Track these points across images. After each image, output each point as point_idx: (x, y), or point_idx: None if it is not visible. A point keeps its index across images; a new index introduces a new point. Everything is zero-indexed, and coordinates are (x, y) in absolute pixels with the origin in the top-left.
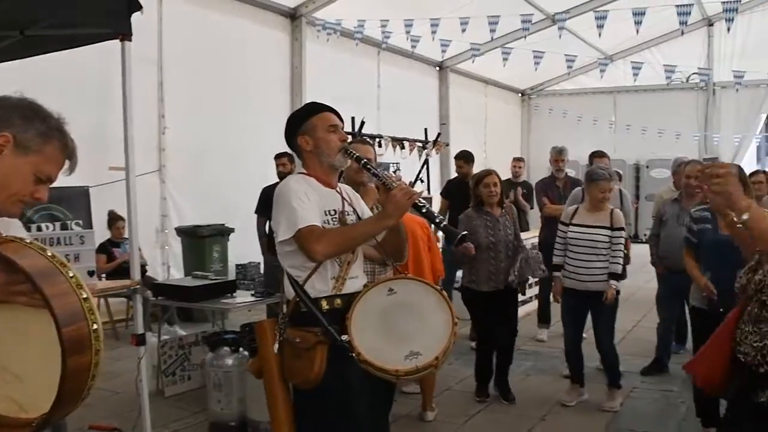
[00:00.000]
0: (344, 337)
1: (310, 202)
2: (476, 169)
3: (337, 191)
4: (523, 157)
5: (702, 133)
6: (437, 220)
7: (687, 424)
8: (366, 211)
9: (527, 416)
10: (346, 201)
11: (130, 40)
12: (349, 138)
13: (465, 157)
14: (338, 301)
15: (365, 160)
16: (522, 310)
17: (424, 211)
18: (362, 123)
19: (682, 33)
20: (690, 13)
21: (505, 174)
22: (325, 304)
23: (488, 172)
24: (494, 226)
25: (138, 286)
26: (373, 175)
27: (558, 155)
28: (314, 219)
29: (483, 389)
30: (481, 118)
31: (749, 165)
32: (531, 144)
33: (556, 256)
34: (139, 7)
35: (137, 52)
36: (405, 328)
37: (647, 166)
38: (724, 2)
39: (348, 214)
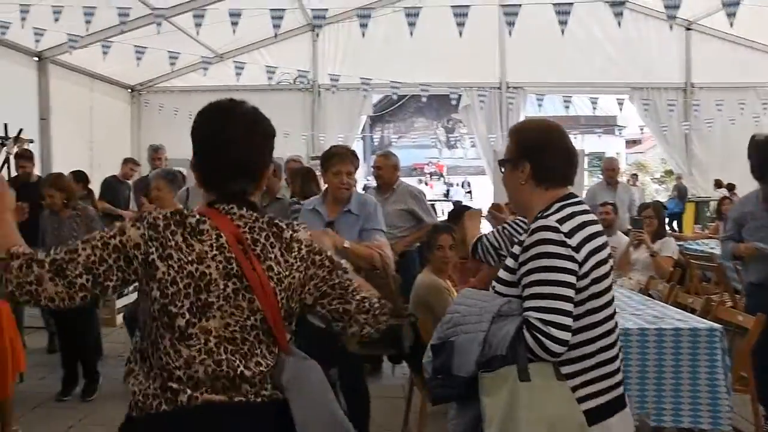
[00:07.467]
0: None
1: None
2: (78, 166)
3: None
4: (134, 158)
5: (309, 133)
6: None
7: None
8: None
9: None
10: None
11: None
12: None
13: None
14: None
15: None
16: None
17: None
18: None
19: (276, 36)
20: (283, 18)
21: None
22: None
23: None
24: (60, 227)
25: None
26: None
27: (155, 153)
28: None
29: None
30: (87, 114)
31: None
32: (142, 142)
33: None
34: None
35: None
36: None
37: None
38: (313, 10)
39: None
